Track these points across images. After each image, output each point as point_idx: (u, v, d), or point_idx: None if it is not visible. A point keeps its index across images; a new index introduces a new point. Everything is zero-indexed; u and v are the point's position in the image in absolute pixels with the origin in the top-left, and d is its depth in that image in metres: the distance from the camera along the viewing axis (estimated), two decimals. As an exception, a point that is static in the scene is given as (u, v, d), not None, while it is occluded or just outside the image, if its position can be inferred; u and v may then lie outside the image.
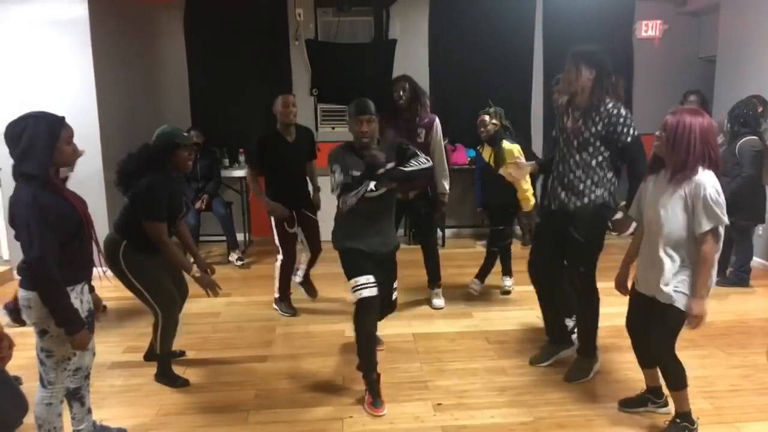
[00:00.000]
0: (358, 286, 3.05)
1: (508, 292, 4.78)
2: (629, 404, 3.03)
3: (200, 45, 6.55)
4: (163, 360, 3.40)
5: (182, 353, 3.71)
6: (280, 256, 4.38)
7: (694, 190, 2.50)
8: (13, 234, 2.24)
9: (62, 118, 2.29)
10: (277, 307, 4.50)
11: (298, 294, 4.65)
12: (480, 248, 6.09)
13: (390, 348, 3.80)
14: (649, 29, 6.83)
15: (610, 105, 3.03)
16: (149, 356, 3.63)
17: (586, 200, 3.14)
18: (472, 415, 3.02)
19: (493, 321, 4.25)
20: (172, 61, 6.59)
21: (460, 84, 6.70)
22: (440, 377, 3.43)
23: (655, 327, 2.70)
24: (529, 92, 6.88)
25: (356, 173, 3.04)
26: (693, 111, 2.58)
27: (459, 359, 3.66)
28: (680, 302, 2.60)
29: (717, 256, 2.57)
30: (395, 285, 3.43)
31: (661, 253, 2.61)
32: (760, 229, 5.15)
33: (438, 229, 6.44)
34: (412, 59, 6.62)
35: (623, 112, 3.03)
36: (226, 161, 6.51)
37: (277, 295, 4.49)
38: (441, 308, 4.52)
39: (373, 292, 3.06)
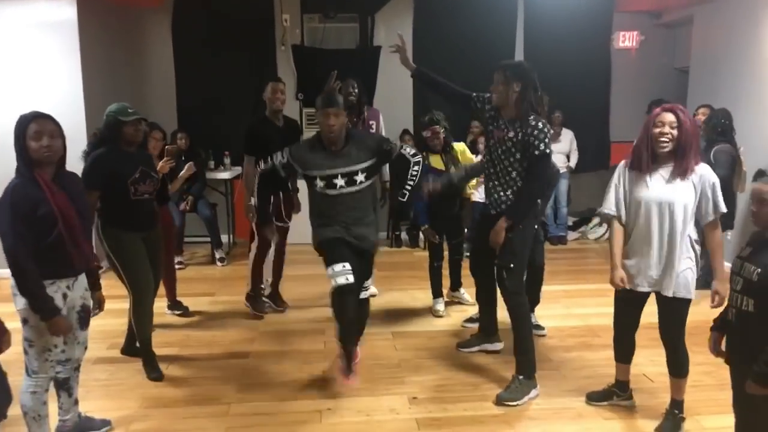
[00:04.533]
0: (334, 274, 3.05)
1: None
2: (596, 397, 3.17)
3: (187, 49, 6.66)
4: (143, 349, 3.50)
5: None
6: (254, 244, 4.44)
7: (701, 180, 2.68)
8: None
9: (28, 116, 2.38)
10: (248, 304, 4.52)
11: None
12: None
13: (369, 345, 3.90)
14: (626, 40, 7.05)
15: (531, 117, 3.09)
16: (126, 350, 3.76)
17: (504, 207, 3.23)
18: (445, 408, 3.14)
19: (470, 320, 4.38)
20: (160, 64, 6.69)
21: (443, 90, 6.86)
22: (417, 373, 3.55)
23: (666, 319, 2.83)
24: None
25: (315, 173, 3.13)
26: (682, 109, 2.75)
27: (436, 356, 3.79)
28: (686, 292, 2.75)
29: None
30: (368, 283, 3.41)
31: (674, 248, 2.73)
32: (728, 234, 5.33)
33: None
34: (396, 65, 6.61)
35: (540, 125, 3.07)
36: (212, 163, 6.60)
37: (248, 289, 4.51)
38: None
39: (349, 279, 3.04)
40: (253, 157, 4.31)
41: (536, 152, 3.08)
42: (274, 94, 4.29)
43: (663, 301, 2.81)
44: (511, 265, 3.21)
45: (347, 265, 3.05)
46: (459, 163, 4.33)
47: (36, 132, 2.35)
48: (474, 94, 3.43)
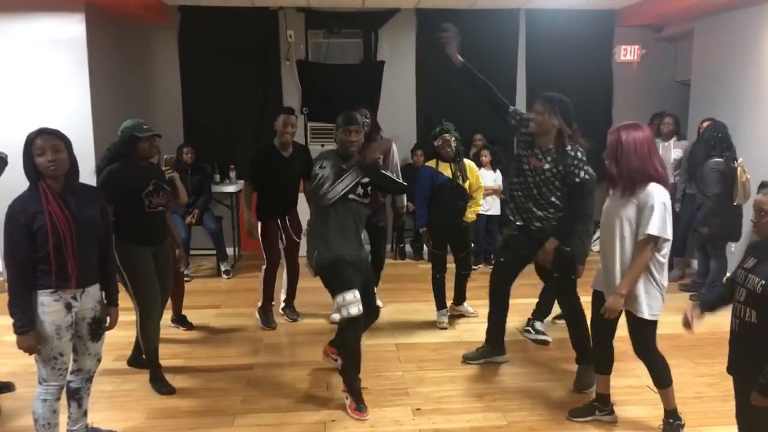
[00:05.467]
0: (345, 303, 3.10)
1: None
2: (578, 413, 3.13)
3: (194, 64, 6.74)
4: (149, 362, 3.53)
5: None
6: (264, 265, 4.56)
7: (644, 198, 2.66)
8: None
9: (33, 133, 2.47)
10: (258, 317, 4.60)
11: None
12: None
13: (374, 357, 3.92)
14: (627, 54, 7.09)
15: (569, 147, 3.34)
16: (132, 361, 3.78)
17: (540, 224, 3.49)
18: (449, 419, 3.15)
19: (474, 332, 4.36)
20: (166, 79, 6.77)
21: (447, 104, 6.91)
22: (420, 384, 3.57)
23: (630, 334, 2.85)
24: (513, 113, 7.12)
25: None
26: (629, 126, 2.74)
27: (439, 368, 3.80)
28: (636, 309, 2.76)
29: (665, 264, 2.75)
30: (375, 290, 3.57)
31: (617, 265, 2.77)
32: (732, 247, 5.34)
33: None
34: (400, 80, 6.84)
35: (578, 155, 3.34)
36: (217, 177, 6.66)
37: (259, 304, 4.62)
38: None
39: (360, 309, 3.12)
40: (252, 183, 4.46)
41: (577, 180, 3.36)
42: (284, 127, 4.35)
43: (626, 315, 2.84)
44: (573, 277, 3.57)
45: (357, 294, 3.13)
46: (467, 175, 4.38)
47: (40, 148, 2.43)
48: (511, 108, 3.61)
